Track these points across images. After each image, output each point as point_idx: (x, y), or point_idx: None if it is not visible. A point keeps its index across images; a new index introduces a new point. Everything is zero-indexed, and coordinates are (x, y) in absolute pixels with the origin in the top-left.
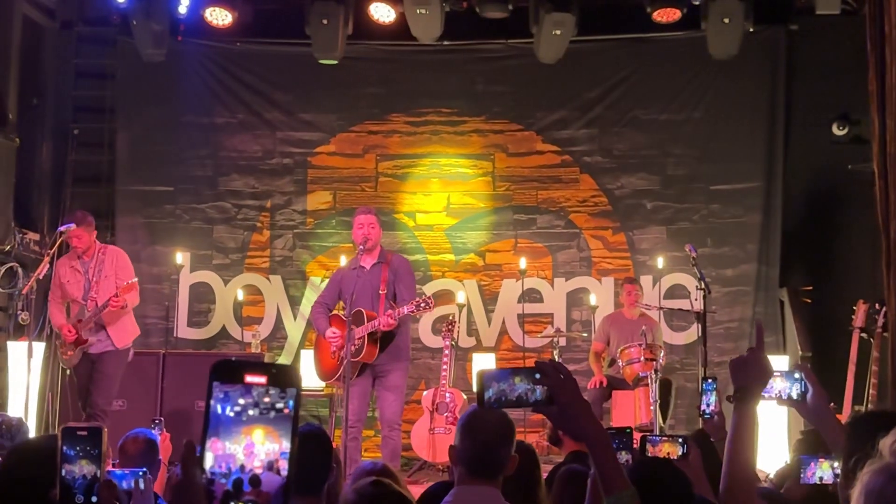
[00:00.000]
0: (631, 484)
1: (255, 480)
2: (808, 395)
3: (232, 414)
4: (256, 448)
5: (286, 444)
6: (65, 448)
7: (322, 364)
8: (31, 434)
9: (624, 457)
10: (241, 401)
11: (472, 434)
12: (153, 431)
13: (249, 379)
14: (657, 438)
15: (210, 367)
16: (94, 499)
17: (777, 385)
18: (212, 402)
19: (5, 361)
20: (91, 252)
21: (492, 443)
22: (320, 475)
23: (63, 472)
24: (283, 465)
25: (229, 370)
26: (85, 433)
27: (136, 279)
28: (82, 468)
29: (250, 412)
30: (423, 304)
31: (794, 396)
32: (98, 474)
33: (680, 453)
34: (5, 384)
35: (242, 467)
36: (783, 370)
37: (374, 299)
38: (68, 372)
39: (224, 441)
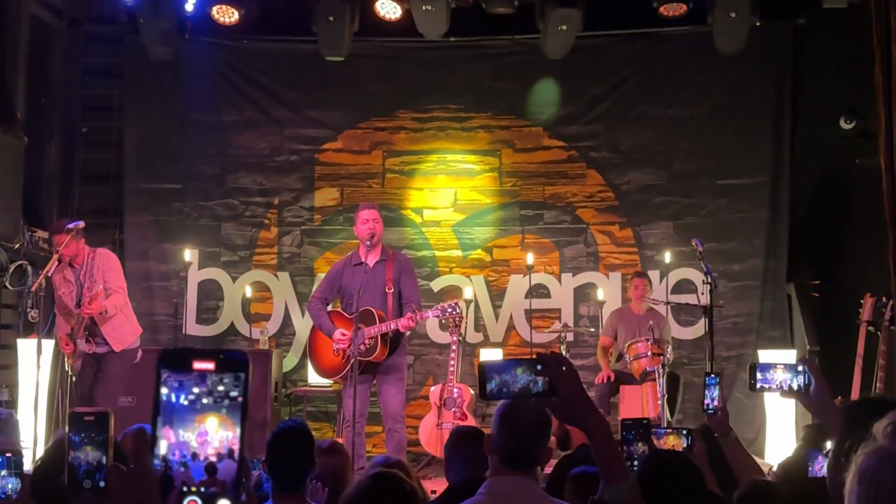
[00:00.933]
0: (630, 474)
1: (212, 468)
2: (811, 388)
3: (186, 402)
4: (210, 436)
5: (239, 433)
6: (71, 434)
7: (322, 361)
8: (20, 427)
9: (640, 448)
10: (196, 389)
11: (508, 426)
12: None
13: (198, 366)
14: (662, 431)
15: (157, 356)
16: (101, 484)
17: (778, 377)
18: (164, 389)
19: (15, 359)
20: (81, 259)
21: (528, 436)
22: (301, 472)
23: (70, 458)
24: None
25: (178, 358)
26: (92, 419)
27: (101, 287)
28: (88, 454)
29: (204, 401)
30: (448, 310)
31: (795, 388)
32: (104, 460)
33: (684, 446)
34: (15, 381)
35: (195, 455)
36: (785, 363)
37: (381, 298)
38: (73, 378)
39: (177, 429)
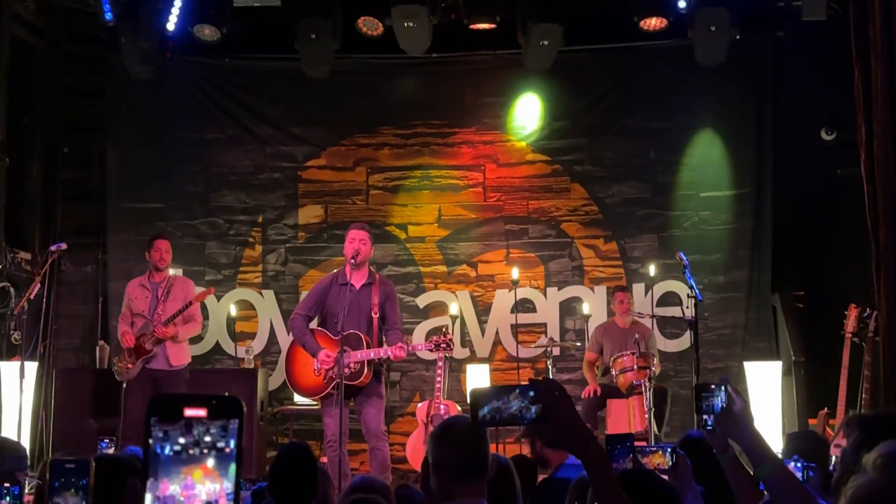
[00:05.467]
0: (627, 499)
1: None
2: (735, 408)
3: (171, 453)
4: (197, 489)
5: (228, 484)
6: (52, 481)
7: (301, 379)
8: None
9: (626, 464)
10: (182, 440)
11: (450, 440)
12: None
13: (189, 413)
14: (647, 449)
15: (147, 403)
16: None
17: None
18: (150, 440)
19: None
20: (164, 275)
21: (471, 445)
22: (305, 496)
23: None
24: None
25: (167, 405)
26: (73, 466)
27: (180, 312)
28: (68, 500)
29: (191, 451)
30: (442, 345)
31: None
32: None
33: (670, 463)
34: None
35: None
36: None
37: (366, 322)
38: (124, 385)
39: (163, 482)
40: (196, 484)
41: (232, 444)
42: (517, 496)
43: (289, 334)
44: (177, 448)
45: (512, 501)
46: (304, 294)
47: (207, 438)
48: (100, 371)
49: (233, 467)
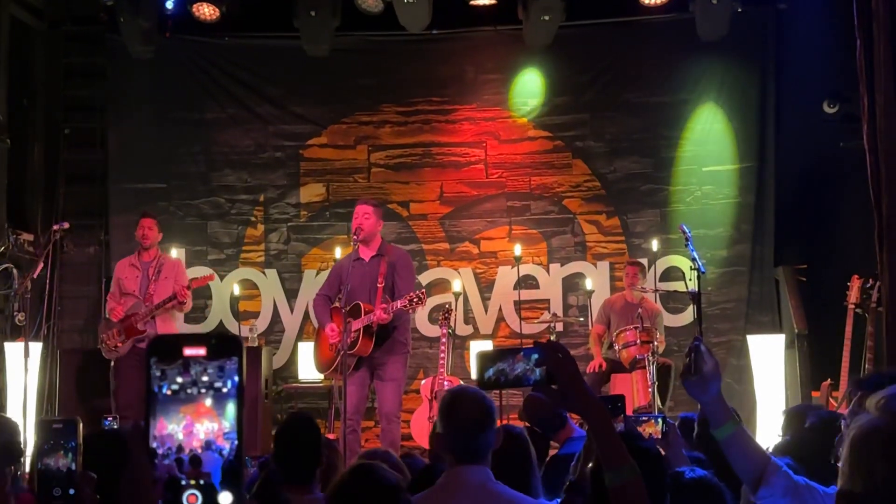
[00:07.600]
0: (630, 458)
1: (196, 460)
2: (707, 369)
3: (169, 393)
4: (196, 427)
5: (226, 423)
6: (40, 442)
7: (320, 356)
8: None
9: (616, 426)
10: (179, 379)
11: (452, 422)
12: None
13: (188, 352)
14: (640, 418)
15: (147, 343)
16: (71, 491)
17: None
18: (150, 381)
19: (3, 363)
20: (153, 254)
21: (471, 430)
22: (308, 464)
23: (39, 466)
24: (224, 445)
25: (167, 346)
26: (60, 426)
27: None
28: (58, 461)
29: (188, 391)
30: (415, 300)
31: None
32: (74, 466)
33: (661, 432)
34: (3, 385)
35: (180, 447)
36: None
37: (371, 292)
38: (112, 364)
39: (163, 421)
40: (195, 423)
41: (230, 383)
42: (532, 467)
43: (291, 314)
44: (174, 387)
45: (527, 472)
46: (306, 272)
47: (205, 378)
48: None
49: (231, 406)
